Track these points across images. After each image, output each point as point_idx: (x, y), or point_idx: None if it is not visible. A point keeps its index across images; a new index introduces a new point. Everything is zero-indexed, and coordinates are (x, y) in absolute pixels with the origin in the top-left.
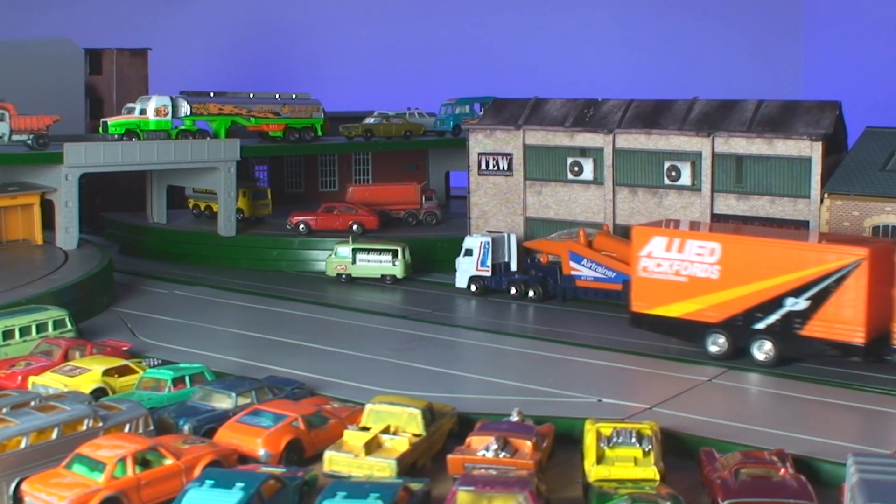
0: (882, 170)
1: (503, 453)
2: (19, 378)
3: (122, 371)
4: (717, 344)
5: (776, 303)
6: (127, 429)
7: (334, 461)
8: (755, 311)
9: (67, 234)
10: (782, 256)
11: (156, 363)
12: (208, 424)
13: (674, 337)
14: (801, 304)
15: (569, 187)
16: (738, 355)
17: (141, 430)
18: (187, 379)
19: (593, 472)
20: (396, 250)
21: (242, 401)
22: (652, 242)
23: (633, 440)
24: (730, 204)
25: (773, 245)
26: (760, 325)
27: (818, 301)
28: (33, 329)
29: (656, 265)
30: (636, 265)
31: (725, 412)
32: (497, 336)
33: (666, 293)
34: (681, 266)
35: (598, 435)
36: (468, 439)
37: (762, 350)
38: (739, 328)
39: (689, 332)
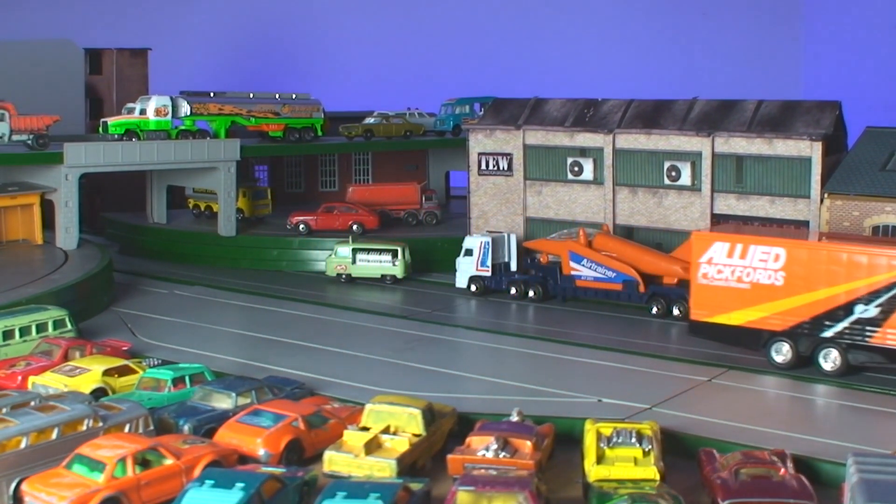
0: (882, 170)
1: (503, 453)
2: (19, 378)
3: (122, 371)
4: (781, 353)
5: (844, 310)
6: (127, 429)
7: (334, 461)
8: (822, 318)
9: (67, 234)
10: (851, 262)
11: (156, 363)
12: (208, 424)
13: (735, 345)
14: (870, 311)
15: (569, 187)
16: (803, 364)
17: (141, 430)
18: (187, 379)
19: (593, 472)
20: (396, 250)
21: (242, 401)
22: (713, 248)
23: (633, 440)
24: (730, 204)
25: (842, 250)
26: (828, 334)
27: (889, 308)
28: (33, 329)
29: (717, 272)
30: (696, 272)
31: (725, 412)
32: (497, 336)
33: (727, 300)
34: (743, 272)
35: (598, 435)
36: (468, 439)
37: (828, 359)
38: (805, 336)
39: (751, 341)
